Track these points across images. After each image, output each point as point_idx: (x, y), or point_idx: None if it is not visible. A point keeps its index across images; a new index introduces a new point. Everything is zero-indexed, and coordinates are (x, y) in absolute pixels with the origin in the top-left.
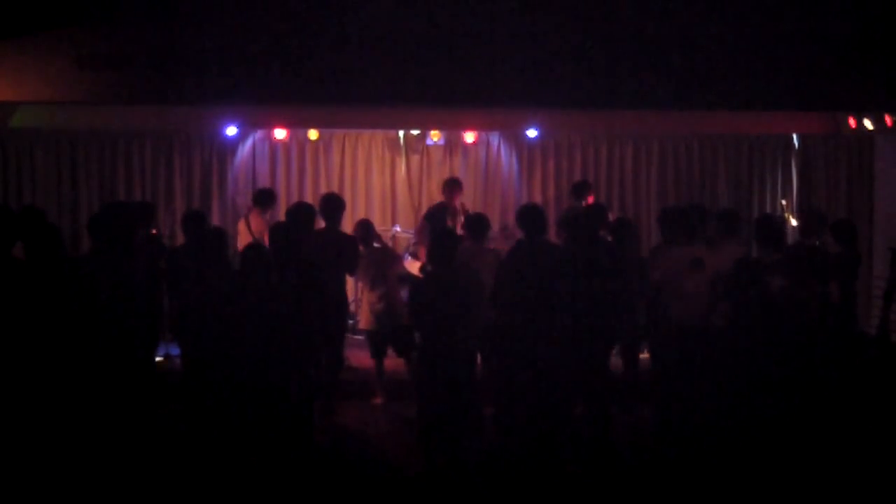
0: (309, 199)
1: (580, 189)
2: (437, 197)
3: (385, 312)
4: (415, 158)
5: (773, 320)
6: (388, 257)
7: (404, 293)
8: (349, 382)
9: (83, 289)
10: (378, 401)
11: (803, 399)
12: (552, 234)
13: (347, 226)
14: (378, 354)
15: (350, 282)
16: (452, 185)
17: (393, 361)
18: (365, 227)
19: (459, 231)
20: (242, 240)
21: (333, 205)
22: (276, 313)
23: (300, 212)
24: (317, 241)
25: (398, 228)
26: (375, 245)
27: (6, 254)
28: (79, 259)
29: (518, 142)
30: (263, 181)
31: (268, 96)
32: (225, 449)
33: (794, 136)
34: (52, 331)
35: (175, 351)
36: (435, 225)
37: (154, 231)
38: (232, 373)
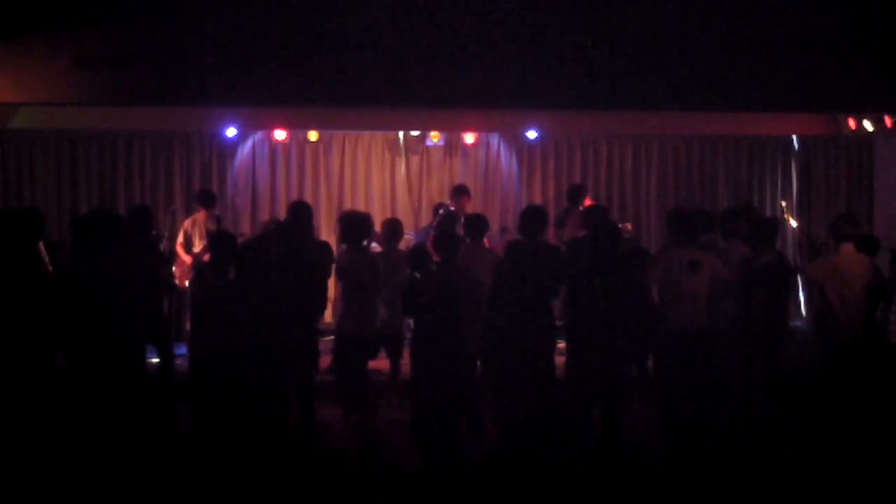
0: (308, 200)
1: (576, 193)
2: (437, 198)
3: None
4: (414, 159)
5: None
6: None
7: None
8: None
9: (80, 292)
10: None
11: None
12: (550, 235)
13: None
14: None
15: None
16: (462, 193)
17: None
18: (393, 226)
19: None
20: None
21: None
22: (276, 313)
23: (302, 211)
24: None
25: None
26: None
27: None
28: (77, 261)
29: (518, 143)
30: (263, 182)
31: (268, 97)
32: (225, 449)
33: (794, 137)
34: (49, 333)
35: (181, 350)
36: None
37: (154, 233)
38: (233, 373)
